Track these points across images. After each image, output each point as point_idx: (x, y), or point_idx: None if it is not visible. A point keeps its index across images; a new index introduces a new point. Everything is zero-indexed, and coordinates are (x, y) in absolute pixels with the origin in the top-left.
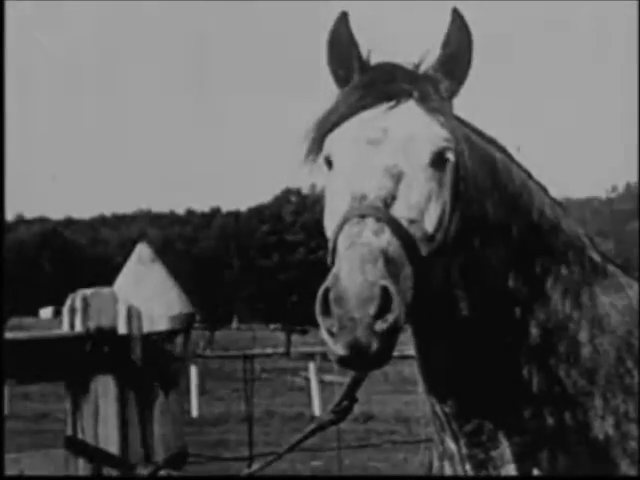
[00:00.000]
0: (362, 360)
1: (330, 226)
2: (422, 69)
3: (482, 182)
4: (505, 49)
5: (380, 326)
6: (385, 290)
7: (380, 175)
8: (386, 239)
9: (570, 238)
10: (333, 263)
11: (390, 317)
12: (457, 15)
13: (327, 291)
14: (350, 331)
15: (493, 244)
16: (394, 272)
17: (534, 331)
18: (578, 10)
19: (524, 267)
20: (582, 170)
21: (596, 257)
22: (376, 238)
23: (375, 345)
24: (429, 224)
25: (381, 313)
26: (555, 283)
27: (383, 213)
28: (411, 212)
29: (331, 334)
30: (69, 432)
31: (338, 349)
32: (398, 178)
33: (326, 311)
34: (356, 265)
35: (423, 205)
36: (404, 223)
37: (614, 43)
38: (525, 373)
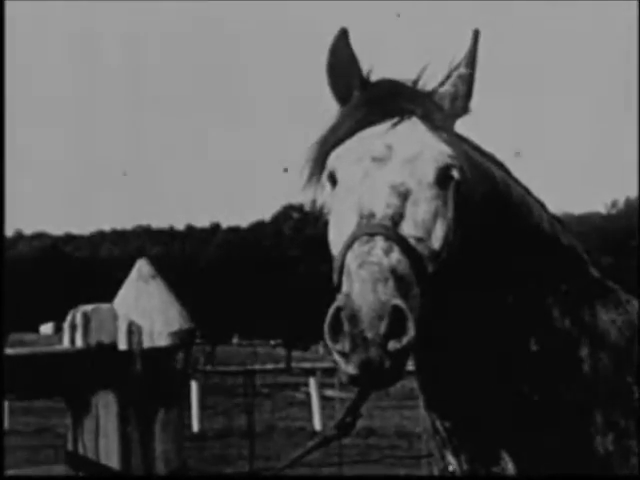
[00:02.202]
0: (374, 379)
1: (336, 243)
2: (433, 86)
3: (482, 199)
4: (502, 63)
5: (393, 345)
6: (397, 309)
7: (387, 193)
8: (396, 258)
9: (569, 254)
10: (339, 280)
11: (405, 339)
12: (477, 37)
13: (338, 310)
14: (363, 350)
15: (492, 260)
16: (404, 291)
17: (534, 347)
18: (578, 17)
19: (523, 283)
20: (581, 185)
21: (595, 273)
22: (386, 257)
23: (387, 364)
24: (436, 242)
25: (393, 332)
26: (555, 299)
27: (392, 231)
28: (418, 230)
29: (342, 354)
30: (70, 447)
31: (350, 368)
32: (405, 196)
33: (337, 330)
34: (368, 284)
35: (429, 223)
36: (412, 242)
37: (614, 53)
38: (526, 389)
